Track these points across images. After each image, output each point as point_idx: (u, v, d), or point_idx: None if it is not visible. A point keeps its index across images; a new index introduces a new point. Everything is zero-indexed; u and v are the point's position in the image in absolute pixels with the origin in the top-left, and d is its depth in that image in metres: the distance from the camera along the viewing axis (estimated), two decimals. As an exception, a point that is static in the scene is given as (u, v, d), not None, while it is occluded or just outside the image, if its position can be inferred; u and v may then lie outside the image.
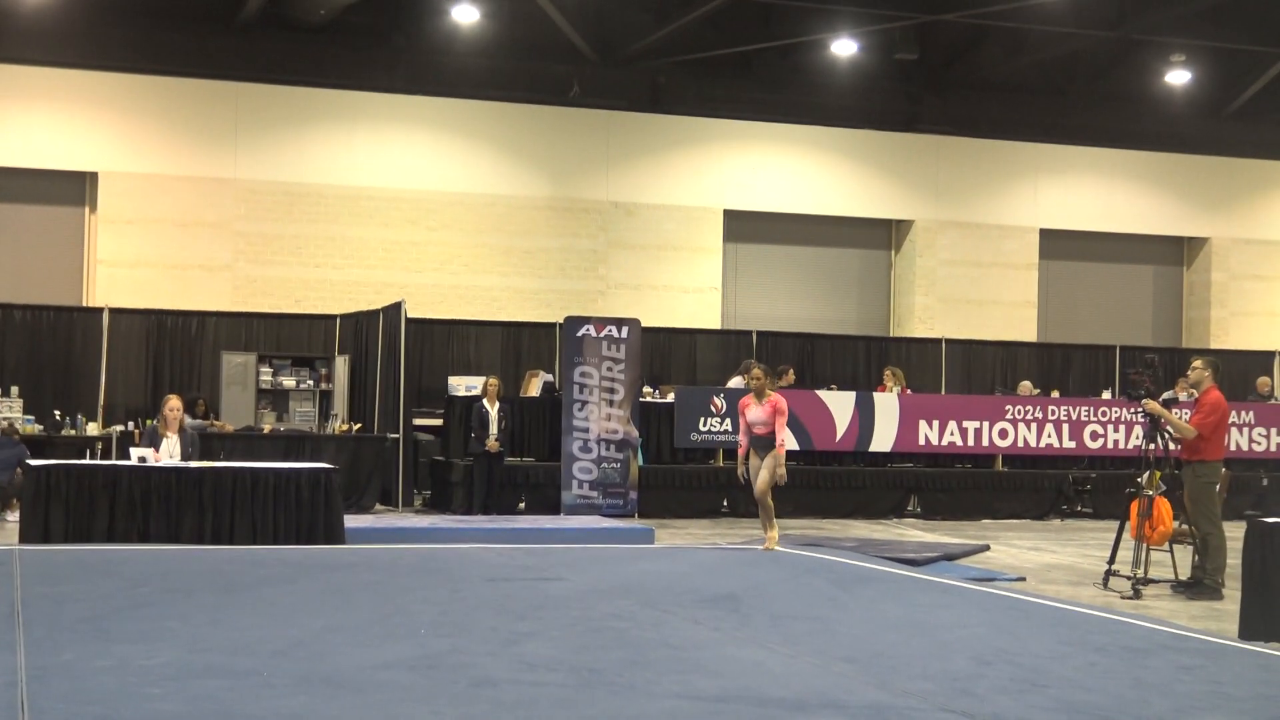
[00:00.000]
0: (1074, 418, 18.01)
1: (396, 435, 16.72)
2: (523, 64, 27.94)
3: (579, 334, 16.36)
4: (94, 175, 26.42)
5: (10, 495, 13.74)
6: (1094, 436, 18.16)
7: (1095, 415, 18.14)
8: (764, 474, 12.83)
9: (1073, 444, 18.02)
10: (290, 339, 18.34)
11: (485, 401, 16.31)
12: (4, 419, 15.81)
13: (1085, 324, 29.69)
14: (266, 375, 17.81)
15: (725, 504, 17.02)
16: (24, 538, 12.30)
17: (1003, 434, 17.77)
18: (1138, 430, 16.03)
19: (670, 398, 17.42)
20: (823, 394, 17.41)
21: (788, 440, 17.02)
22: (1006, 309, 30.65)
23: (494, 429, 16.08)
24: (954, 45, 28.97)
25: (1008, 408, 17.99)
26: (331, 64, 27.21)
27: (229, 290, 25.47)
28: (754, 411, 12.99)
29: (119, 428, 16.66)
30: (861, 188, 30.64)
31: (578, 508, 15.91)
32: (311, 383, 17.97)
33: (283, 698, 6.13)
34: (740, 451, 13.49)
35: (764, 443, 12.96)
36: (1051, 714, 6.19)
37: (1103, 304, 31.60)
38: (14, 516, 13.52)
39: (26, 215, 26.49)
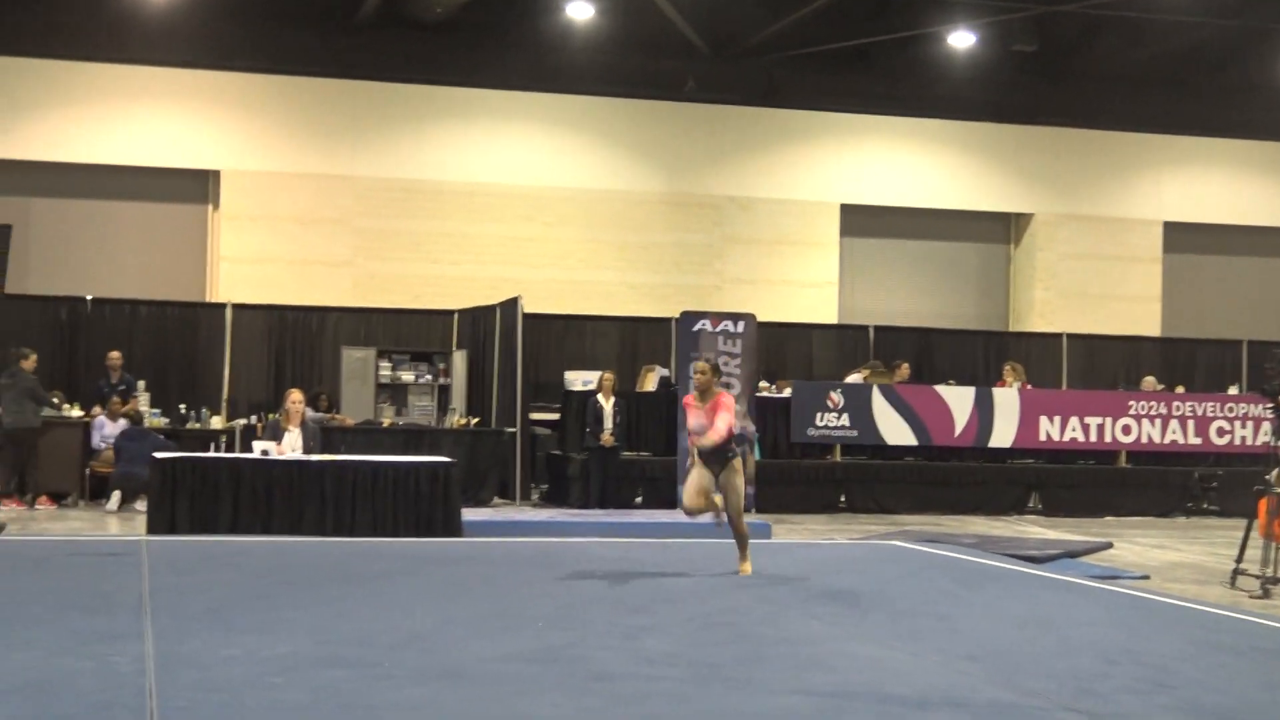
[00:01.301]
0: (1200, 414, 17.70)
1: (514, 429, 16.80)
2: (637, 60, 27.94)
3: (695, 329, 16.35)
4: (216, 173, 26.82)
5: (143, 486, 13.98)
6: (1220, 433, 17.84)
7: (1222, 411, 17.81)
8: (731, 497, 10.51)
9: (1198, 440, 17.71)
10: (409, 334, 18.50)
11: (600, 396, 16.34)
12: (134, 412, 16.08)
13: (1211, 318, 29.10)
14: (386, 370, 17.98)
15: (843, 499, 16.93)
16: (151, 529, 12.51)
17: (1126, 430, 17.51)
18: (1266, 426, 15.73)
19: (787, 393, 17.36)
20: (941, 389, 17.25)
21: (901, 436, 16.94)
22: (1129, 303, 30.17)
23: (609, 424, 16.11)
24: (1073, 36, 28.55)
25: (1131, 403, 17.72)
26: (448, 61, 27.39)
27: (349, 286, 25.75)
28: (696, 417, 10.53)
29: (242, 421, 16.90)
30: (980, 181, 30.34)
31: (694, 502, 15.90)
32: (430, 377, 18.11)
33: (403, 689, 6.18)
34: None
35: (715, 456, 10.47)
36: (1178, 715, 6.09)
37: (1229, 298, 30.96)
38: (143, 507, 13.75)
39: (151, 213, 26.95)
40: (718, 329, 16.37)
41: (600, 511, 15.25)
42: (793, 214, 29.30)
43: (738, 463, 10.49)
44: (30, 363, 15.68)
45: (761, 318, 17.42)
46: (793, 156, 29.39)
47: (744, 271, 28.80)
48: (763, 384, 17.43)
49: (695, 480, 10.35)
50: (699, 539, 12.93)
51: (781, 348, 19.13)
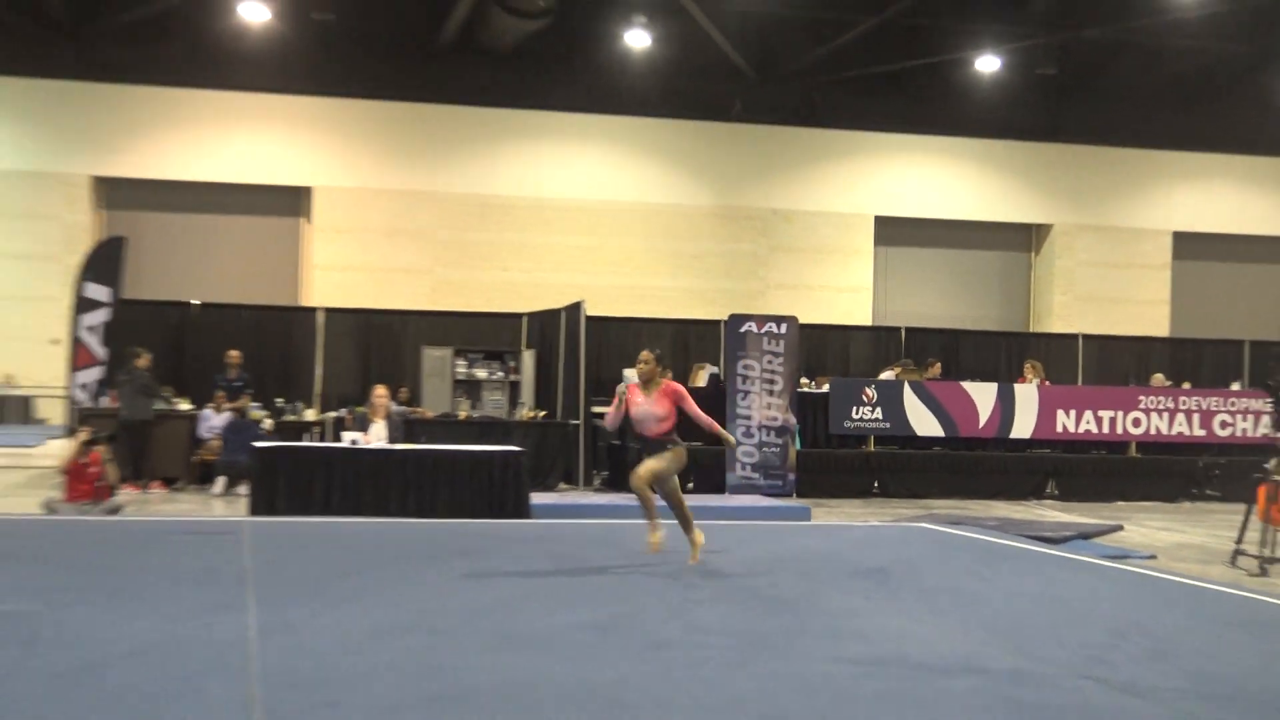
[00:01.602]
0: (1204, 408, 17.60)
1: (577, 421, 16.88)
2: (689, 84, 27.97)
3: (741, 330, 16.38)
4: (309, 190, 27.07)
5: (245, 472, 14.14)
6: (1223, 425, 17.73)
7: (1225, 405, 17.70)
8: (651, 462, 9.45)
9: (1203, 432, 17.61)
10: (482, 335, 18.60)
11: (657, 391, 16.40)
12: (237, 406, 16.27)
13: (1216, 320, 28.92)
14: (462, 367, 18.08)
15: (876, 485, 16.92)
16: (253, 510, 12.63)
17: (1136, 423, 17.44)
18: (1266, 419, 15.66)
19: (825, 388, 17.36)
20: (966, 385, 17.22)
21: (930, 427, 16.92)
22: (1140, 306, 30.02)
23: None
24: (1090, 61, 28.38)
25: (1141, 398, 17.63)
26: (518, 87, 27.51)
27: (428, 291, 25.94)
28: (642, 406, 9.52)
29: (333, 414, 17.04)
30: (1004, 194, 30.25)
31: (741, 488, 15.93)
32: (501, 374, 18.21)
33: (480, 654, 6.24)
34: (608, 422, 10.39)
35: (655, 445, 9.54)
36: (1181, 682, 6.09)
37: (1233, 301, 30.80)
38: (245, 491, 13.90)
39: (250, 226, 27.22)
40: (762, 330, 16.40)
41: (656, 496, 15.29)
42: (831, 225, 29.29)
43: (675, 450, 9.52)
44: (144, 361, 15.86)
45: (803, 320, 17.43)
46: (831, 172, 29.38)
47: (787, 278, 28.83)
48: (803, 380, 17.44)
49: (650, 461, 9.53)
50: (745, 521, 12.97)
51: (821, 347, 19.12)
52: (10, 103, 23.48)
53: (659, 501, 9.61)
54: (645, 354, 9.67)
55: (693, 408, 9.69)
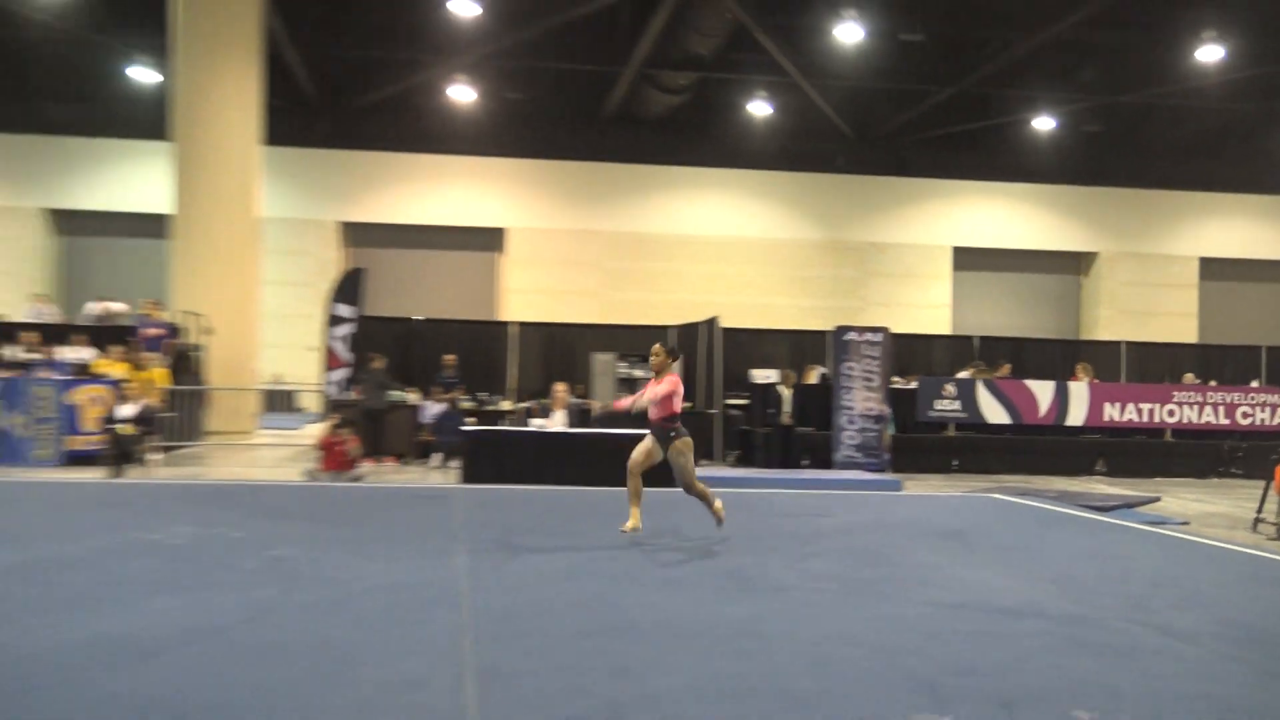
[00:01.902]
0: (1228, 402, 16.94)
1: (714, 410, 16.84)
2: (801, 143, 27.86)
3: (845, 338, 16.18)
4: (504, 230, 27.50)
5: (455, 450, 14.35)
6: (1244, 416, 17.05)
7: (1246, 400, 17.01)
8: (679, 475, 8.33)
9: (1227, 421, 16.96)
10: (639, 342, 18.61)
11: (782, 387, 16.33)
12: (449, 398, 16.53)
13: (1237, 329, 28.15)
14: (623, 368, 18.13)
15: (955, 463, 16.60)
16: (462, 480, 12.81)
17: (1170, 413, 16.86)
18: (1281, 411, 15.23)
19: (913, 385, 17.07)
20: (1029, 382, 16.81)
21: (999, 416, 16.57)
22: (1172, 319, 29.24)
23: (788, 407, 16.09)
24: (1129, 118, 27.67)
25: (1174, 393, 17.04)
26: (664, 147, 27.64)
27: (597, 309, 26.16)
28: (648, 393, 8.39)
29: (523, 404, 17.24)
30: (1058, 228, 29.69)
31: (845, 464, 15.74)
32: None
33: (644, 593, 6.26)
34: (623, 405, 8.80)
35: (658, 433, 8.32)
36: (1211, 626, 5.89)
37: (1252, 314, 30.03)
38: (456, 465, 14.08)
39: (458, 259, 27.73)
40: (862, 339, 16.18)
41: (779, 471, 15.18)
42: (917, 255, 28.96)
43: (679, 443, 8.24)
44: (380, 363, 16.16)
45: (894, 330, 17.17)
46: (916, 212, 29.05)
47: (881, 297, 28.55)
48: (895, 378, 17.17)
49: (643, 446, 8.36)
50: (848, 491, 12.84)
51: (909, 352, 18.80)
52: (281, 167, 24.17)
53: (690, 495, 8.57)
54: (657, 346, 8.52)
55: (662, 392, 8.25)
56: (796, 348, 18.78)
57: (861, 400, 16.04)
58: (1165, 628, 5.86)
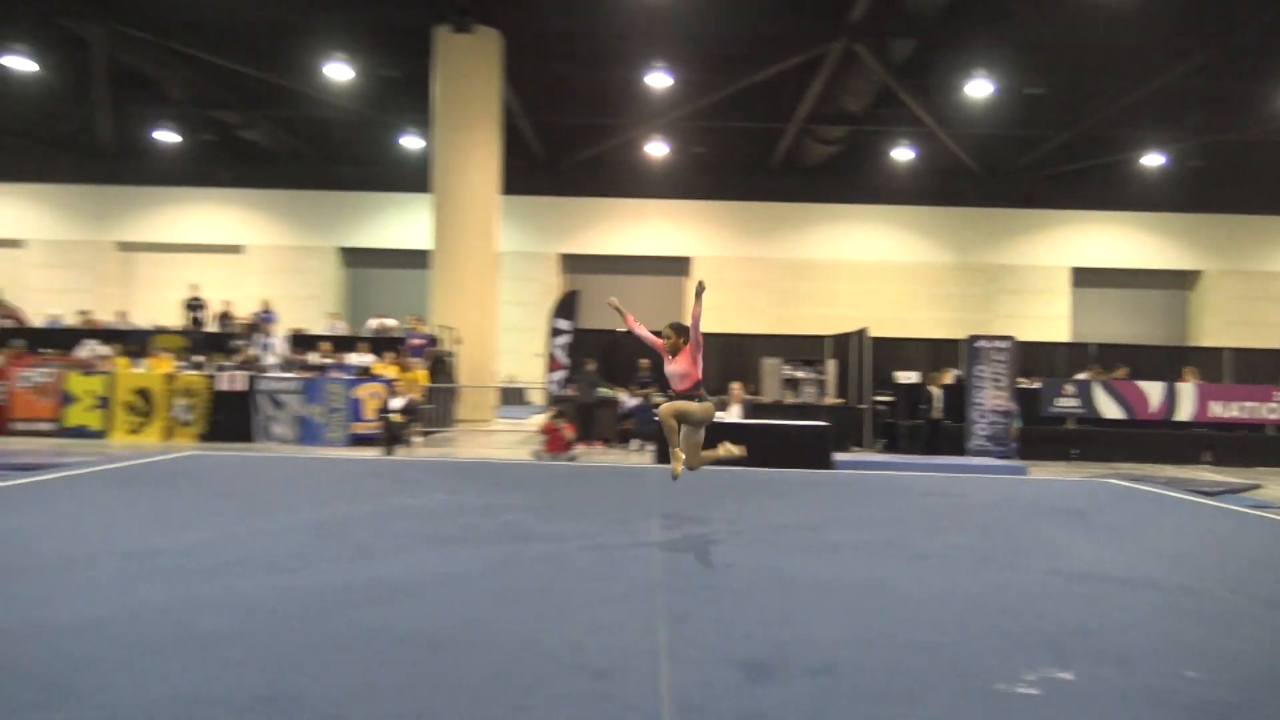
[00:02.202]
0: (1326, 400, 15.65)
1: (864, 405, 16.47)
2: (937, 181, 27.02)
3: (976, 345, 15.57)
4: (689, 259, 27.55)
5: (650, 437, 14.38)
6: (1342, 413, 15.71)
7: (1343, 398, 15.70)
8: (679, 403, 7.04)
9: (1325, 418, 15.66)
10: (801, 349, 18.35)
11: (931, 387, 15.87)
12: (644, 394, 16.63)
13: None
14: (787, 370, 17.91)
15: (1075, 452, 15.75)
16: (656, 461, 12.85)
17: (1271, 410, 15.63)
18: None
19: (1037, 385, 16.30)
20: (1141, 384, 15.83)
21: (1114, 412, 15.64)
22: (1271, 328, 27.08)
23: (938, 403, 15.61)
24: (1229, 154, 25.76)
25: (1274, 393, 15.79)
26: (821, 188, 27.23)
27: (766, 321, 25.94)
28: (670, 367, 7.21)
29: (705, 400, 17.22)
30: (1167, 250, 27.89)
31: (977, 452, 15.15)
32: (814, 374, 17.95)
33: (803, 558, 6.17)
34: (630, 321, 7.72)
35: (685, 398, 7.12)
36: (1314, 598, 5.42)
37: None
38: (650, 449, 14.13)
39: (653, 282, 27.88)
40: (991, 345, 15.54)
41: (919, 456, 14.74)
42: (1039, 274, 27.68)
43: (699, 404, 7.04)
44: (591, 366, 16.39)
45: (1020, 338, 16.41)
46: (1039, 237, 27.76)
47: (1007, 310, 27.39)
48: (1021, 380, 16.42)
49: (671, 405, 7.10)
50: (979, 475, 12.34)
51: (1033, 357, 17.94)
52: (514, 211, 24.87)
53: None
54: (666, 329, 7.33)
55: (679, 369, 7.15)
56: (934, 353, 18.17)
57: (991, 398, 15.42)
58: (1269, 599, 5.42)
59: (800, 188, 27.32)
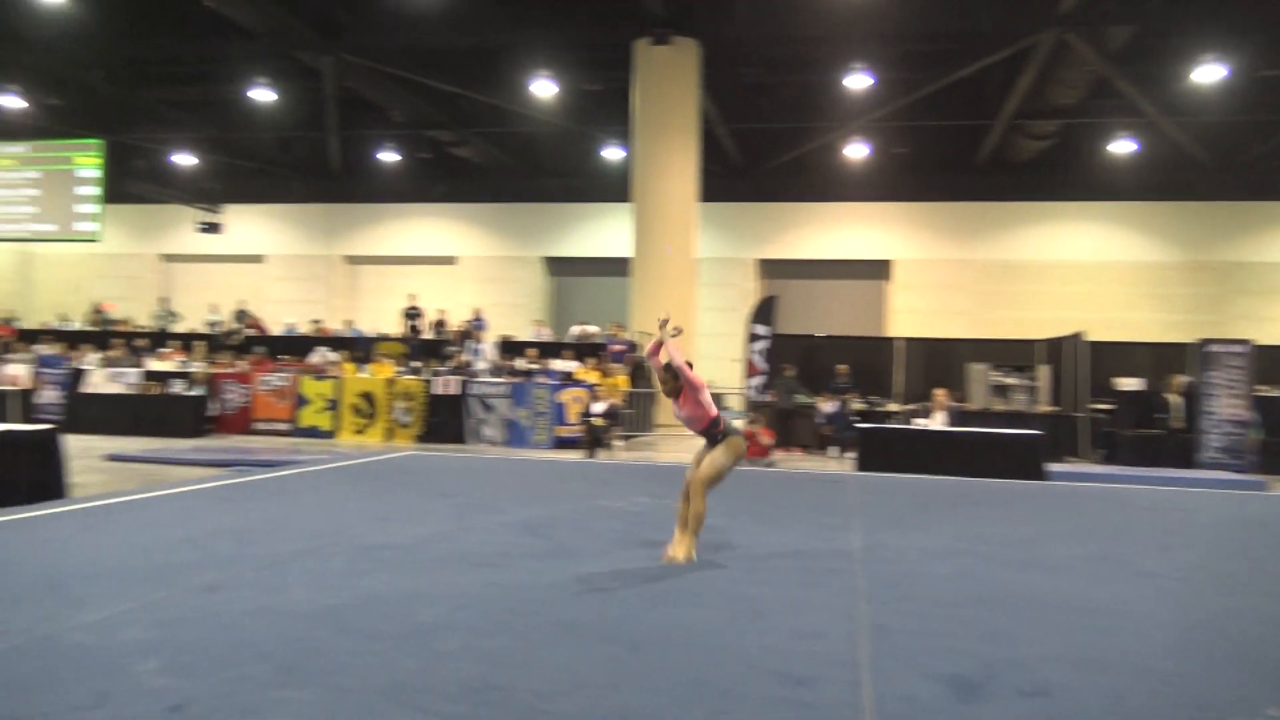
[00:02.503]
0: None
1: (1081, 414, 15.57)
2: (1159, 174, 25.23)
3: (1208, 350, 14.42)
4: (890, 262, 26.89)
5: (850, 444, 14.16)
6: None
7: None
8: (702, 470, 5.95)
9: None
10: (1009, 354, 17.56)
11: (1171, 394, 14.87)
12: (843, 400, 16.37)
13: None
14: (995, 376, 17.17)
15: (1324, 466, 14.30)
16: (857, 468, 12.61)
17: None
18: None
19: (1278, 392, 14.93)
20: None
21: None
22: None
23: (1178, 412, 14.60)
24: None
25: None
26: (1031, 185, 25.97)
27: (970, 325, 24.96)
28: (680, 413, 6.11)
29: (909, 406, 16.76)
30: None
31: (1210, 464, 14.01)
32: (1025, 381, 17.11)
33: (1014, 571, 5.90)
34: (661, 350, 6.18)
35: (710, 440, 6.01)
36: None
37: None
38: (850, 455, 13.93)
39: (849, 286, 27.42)
40: (1225, 350, 14.35)
41: (1140, 469, 13.78)
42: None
43: (725, 444, 5.97)
44: (790, 371, 16.33)
45: (1259, 342, 15.07)
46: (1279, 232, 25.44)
47: (1243, 311, 25.17)
48: (1260, 387, 15.08)
49: (699, 455, 6.12)
50: (1215, 490, 11.41)
51: (1277, 363, 16.45)
52: (712, 218, 25.00)
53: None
54: (658, 377, 6.14)
55: (686, 413, 6.08)
56: (1157, 358, 16.98)
57: (1225, 407, 14.24)
58: None
59: (1007, 186, 26.13)
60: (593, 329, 20.11)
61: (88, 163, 22.58)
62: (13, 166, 22.84)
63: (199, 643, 3.98)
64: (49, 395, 17.48)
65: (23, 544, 5.86)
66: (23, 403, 17.13)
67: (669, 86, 19.68)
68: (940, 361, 17.97)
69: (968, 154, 25.49)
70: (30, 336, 21.08)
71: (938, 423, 13.14)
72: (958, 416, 14.07)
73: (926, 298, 26.15)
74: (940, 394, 13.59)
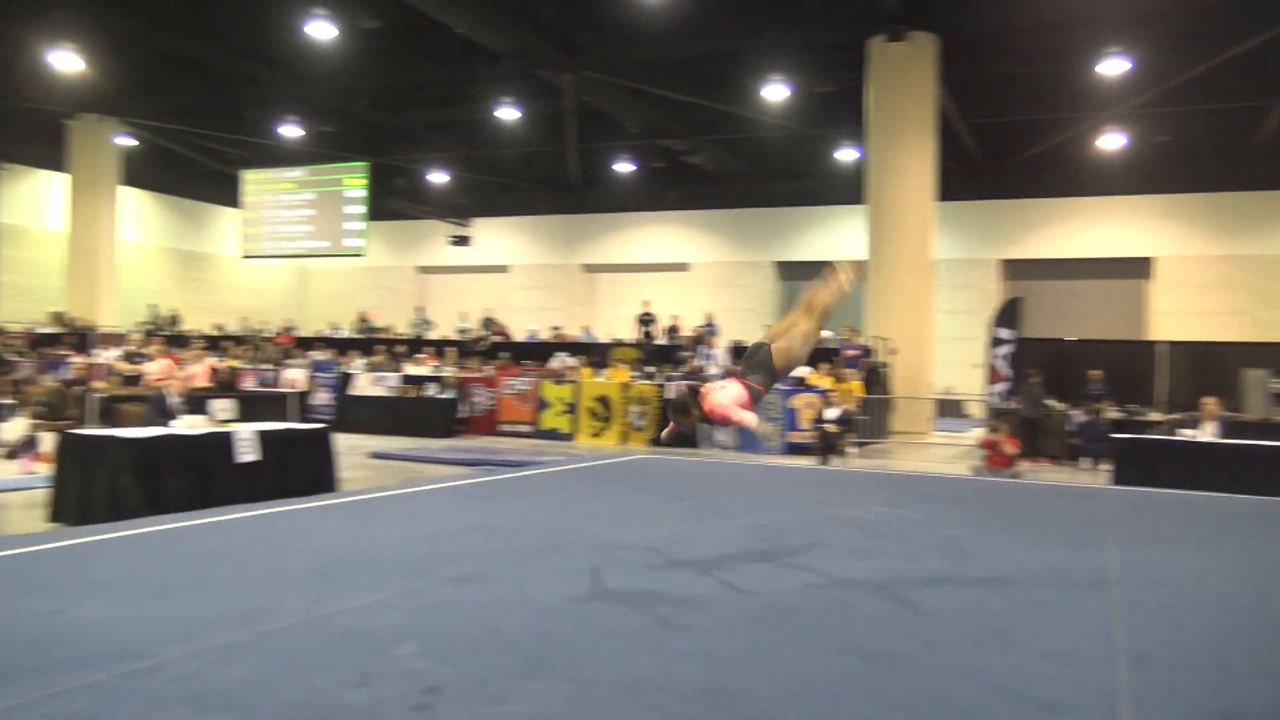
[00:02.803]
0: None
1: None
2: None
3: None
4: (1151, 259, 25.04)
5: (1104, 455, 13.26)
6: None
7: None
8: None
9: None
10: (1293, 359, 15.94)
11: None
12: (1097, 407, 15.34)
13: None
14: (1276, 384, 15.56)
15: None
16: (1113, 481, 11.73)
17: None
18: None
19: None
20: None
21: None
22: None
23: None
24: None
25: None
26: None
27: (1245, 327, 22.84)
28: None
29: (1173, 416, 15.48)
30: None
31: None
32: (1311, 389, 15.42)
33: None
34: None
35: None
36: None
37: None
38: (1105, 468, 13.03)
39: (1107, 286, 25.84)
40: None
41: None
42: None
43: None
44: (1036, 378, 15.52)
45: None
46: None
47: None
48: None
49: None
50: None
51: None
52: (950, 217, 24.10)
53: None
54: (670, 426, 6.21)
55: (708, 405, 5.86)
56: None
57: None
58: None
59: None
60: (826, 334, 19.84)
61: (355, 184, 24.66)
62: (292, 190, 25.29)
63: (452, 630, 4.23)
64: (322, 397, 19.22)
65: (299, 533, 6.45)
66: (300, 404, 18.90)
67: (905, 83, 19.15)
68: (1210, 367, 16.49)
69: (1243, 138, 23.24)
70: (306, 344, 23.25)
71: (1207, 434, 12.04)
72: (1231, 427, 12.85)
73: (1193, 297, 24.07)
74: (1210, 402, 12.47)
